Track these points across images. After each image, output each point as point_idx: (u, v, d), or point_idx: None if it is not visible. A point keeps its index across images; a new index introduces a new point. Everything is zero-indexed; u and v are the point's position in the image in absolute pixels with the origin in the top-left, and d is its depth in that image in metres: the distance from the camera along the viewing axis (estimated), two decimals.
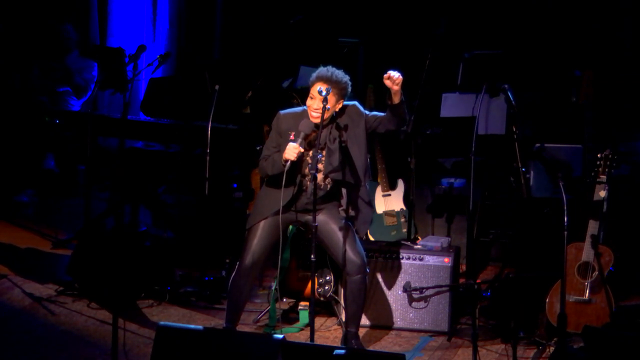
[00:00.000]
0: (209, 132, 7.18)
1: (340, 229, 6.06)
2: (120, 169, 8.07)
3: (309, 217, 6.02)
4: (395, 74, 5.79)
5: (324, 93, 5.85)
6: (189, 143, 7.84)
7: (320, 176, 6.04)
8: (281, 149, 5.96)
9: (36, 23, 9.52)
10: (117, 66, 8.31)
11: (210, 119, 7.18)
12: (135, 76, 7.18)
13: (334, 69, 6.01)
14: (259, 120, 7.74)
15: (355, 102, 6.13)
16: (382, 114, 6.06)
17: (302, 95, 7.47)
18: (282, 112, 6.15)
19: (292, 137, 5.92)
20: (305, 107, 6.05)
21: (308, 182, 6.05)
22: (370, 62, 8.94)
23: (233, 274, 6.18)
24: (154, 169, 8.07)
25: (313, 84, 5.98)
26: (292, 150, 5.84)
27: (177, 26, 10.08)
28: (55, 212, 8.95)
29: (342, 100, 6.00)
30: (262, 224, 6.10)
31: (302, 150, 5.88)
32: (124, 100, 7.14)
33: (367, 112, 6.11)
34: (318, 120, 5.88)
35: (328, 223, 6.09)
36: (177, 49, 10.02)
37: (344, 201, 6.17)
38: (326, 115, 5.89)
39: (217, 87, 7.29)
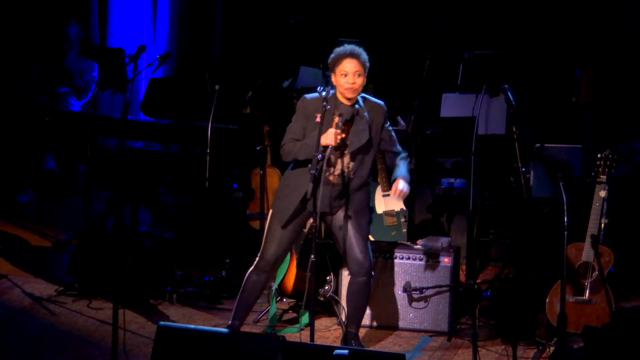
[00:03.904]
0: (209, 132, 7.18)
1: (359, 228, 5.99)
2: (120, 169, 8.08)
3: (329, 217, 5.98)
4: (403, 191, 5.95)
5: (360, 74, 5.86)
6: (189, 143, 7.84)
7: (346, 161, 5.93)
8: (306, 132, 5.89)
9: (36, 23, 9.52)
10: (117, 66, 8.31)
11: (210, 119, 7.18)
12: (135, 76, 7.18)
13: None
14: (259, 120, 7.73)
15: (383, 103, 6.07)
16: (393, 137, 6.07)
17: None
18: (308, 95, 5.99)
19: (317, 119, 5.78)
20: (322, 90, 5.85)
21: (333, 176, 5.93)
22: (370, 62, 8.92)
23: (250, 269, 6.08)
24: (154, 169, 8.07)
25: (342, 59, 5.88)
26: (332, 135, 5.72)
27: (177, 26, 10.08)
28: (55, 212, 8.94)
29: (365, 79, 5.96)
30: (291, 219, 5.97)
31: (343, 135, 5.79)
32: (124, 100, 7.14)
33: (387, 123, 6.06)
34: (354, 95, 5.83)
35: (350, 218, 5.96)
36: (177, 49, 10.02)
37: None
38: (356, 95, 5.87)
39: (217, 87, 7.29)
